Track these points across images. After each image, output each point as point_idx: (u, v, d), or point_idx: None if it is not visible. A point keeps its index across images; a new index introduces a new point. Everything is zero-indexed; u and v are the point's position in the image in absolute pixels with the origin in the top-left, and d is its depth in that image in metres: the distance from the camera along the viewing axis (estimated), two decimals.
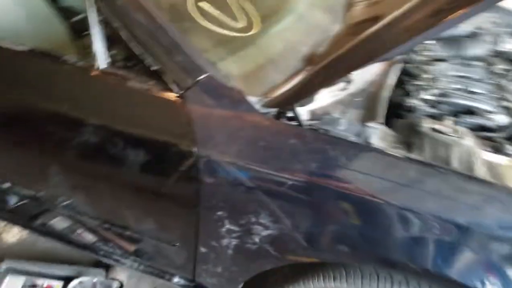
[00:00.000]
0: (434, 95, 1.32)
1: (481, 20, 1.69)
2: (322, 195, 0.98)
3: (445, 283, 0.94)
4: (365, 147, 1.01)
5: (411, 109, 1.27)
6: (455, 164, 0.98)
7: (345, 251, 1.01)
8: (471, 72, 1.46)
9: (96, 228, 1.48)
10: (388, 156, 0.98)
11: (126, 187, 1.21)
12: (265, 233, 1.08)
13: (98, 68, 1.08)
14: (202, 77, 1.04)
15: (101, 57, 1.08)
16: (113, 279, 1.71)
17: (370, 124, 1.07)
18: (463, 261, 0.90)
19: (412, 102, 1.27)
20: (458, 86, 1.38)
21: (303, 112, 1.10)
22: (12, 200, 1.56)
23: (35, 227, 1.65)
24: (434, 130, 1.09)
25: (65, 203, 1.42)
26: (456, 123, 1.20)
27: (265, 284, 1.30)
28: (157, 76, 1.05)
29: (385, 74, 1.32)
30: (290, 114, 1.04)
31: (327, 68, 0.96)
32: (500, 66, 1.55)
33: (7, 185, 1.48)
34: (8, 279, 1.55)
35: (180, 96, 1.03)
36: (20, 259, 1.68)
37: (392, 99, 1.36)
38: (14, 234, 1.92)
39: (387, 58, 1.00)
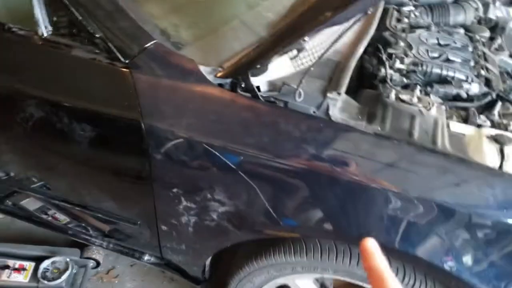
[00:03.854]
0: (407, 64, 1.25)
1: None
2: (274, 170, 0.93)
3: (401, 256, 0.90)
4: (320, 120, 0.95)
5: (383, 79, 1.21)
6: (417, 135, 0.92)
7: (301, 225, 0.97)
8: (451, 40, 1.38)
9: (68, 208, 1.45)
10: (344, 128, 0.92)
11: (81, 165, 1.17)
12: (221, 209, 1.03)
13: (40, 37, 1.02)
14: (149, 44, 0.98)
15: (43, 24, 1.02)
16: (89, 258, 1.68)
17: (331, 94, 1.00)
18: (417, 235, 0.86)
19: (384, 71, 1.20)
20: (435, 55, 1.31)
21: (261, 82, 1.03)
22: None
23: (6, 209, 1.62)
24: (400, 100, 1.03)
25: (36, 184, 1.38)
26: (426, 93, 1.14)
27: (234, 259, 1.27)
28: (102, 44, 0.98)
29: (355, 43, 1.25)
30: (245, 85, 0.98)
31: (278, 34, 0.89)
32: (484, 34, 1.46)
33: None
34: None
35: (126, 65, 0.97)
36: None
37: (367, 70, 1.29)
38: None
39: (338, 22, 0.92)
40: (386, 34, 1.38)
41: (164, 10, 1.11)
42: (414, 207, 0.83)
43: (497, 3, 1.64)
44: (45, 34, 1.01)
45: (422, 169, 0.85)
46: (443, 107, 1.04)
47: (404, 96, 1.04)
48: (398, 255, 0.95)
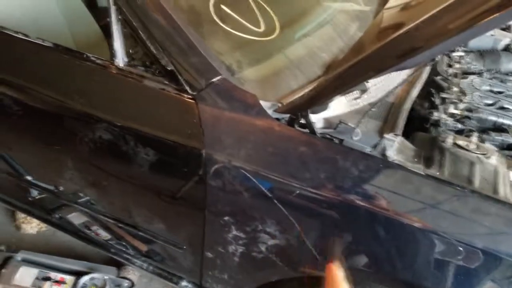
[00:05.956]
0: (461, 109, 1.25)
1: None
2: (330, 207, 0.94)
3: None
4: (379, 160, 0.96)
5: (436, 123, 1.21)
6: (477, 183, 0.91)
7: (353, 267, 0.96)
8: (505, 88, 1.38)
9: (111, 226, 1.49)
10: (403, 170, 0.93)
11: (137, 186, 1.21)
12: (271, 242, 1.04)
13: (116, 66, 1.09)
14: (215, 79, 1.03)
15: (120, 55, 1.09)
16: (124, 278, 1.71)
17: (388, 136, 1.02)
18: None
19: (438, 115, 1.20)
20: (489, 102, 1.31)
21: (317, 119, 1.06)
22: (34, 193, 1.60)
23: (53, 221, 1.68)
24: (457, 146, 1.03)
25: (82, 199, 1.44)
26: (482, 140, 1.13)
27: None
28: (172, 76, 1.04)
29: (409, 85, 1.26)
30: (303, 121, 1.01)
31: (342, 75, 0.92)
32: None
33: (29, 177, 1.53)
34: (22, 269, 1.58)
35: (193, 97, 1.02)
36: (36, 251, 1.71)
37: (417, 112, 1.30)
38: (33, 226, 1.97)
39: (407, 66, 0.95)
40: (438, 78, 1.39)
41: (230, 48, 1.16)
42: (477, 258, 0.82)
43: None
44: (121, 65, 1.08)
45: (486, 218, 0.85)
46: (503, 156, 1.03)
47: (461, 142, 1.04)
48: None
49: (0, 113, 1.29)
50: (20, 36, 1.18)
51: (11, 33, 1.19)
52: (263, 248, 1.06)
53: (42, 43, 1.17)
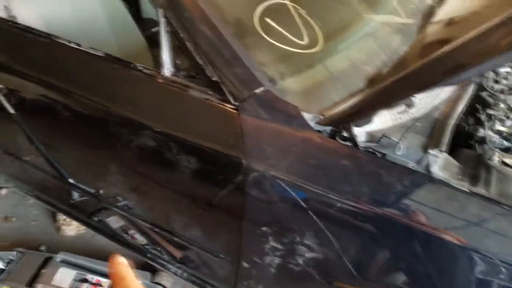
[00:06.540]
0: (509, 126, 1.21)
1: None
2: (371, 222, 0.93)
3: None
4: (424, 176, 0.94)
5: (482, 140, 1.18)
6: None
7: (394, 284, 0.94)
8: None
9: (148, 231, 1.52)
10: (449, 187, 0.91)
11: (177, 193, 1.24)
12: (309, 255, 1.04)
13: (163, 76, 1.12)
14: (258, 90, 1.04)
15: (167, 65, 1.12)
16: (158, 283, 1.74)
17: (432, 151, 1.00)
18: None
19: (484, 132, 1.17)
20: None
21: (360, 133, 1.05)
22: (75, 195, 1.66)
23: (92, 224, 1.73)
24: (505, 164, 1.00)
25: (121, 203, 1.48)
26: None
27: None
28: (216, 87, 1.06)
29: (454, 100, 1.24)
30: (346, 134, 1.01)
31: (388, 89, 0.92)
32: None
33: (72, 180, 1.59)
34: (61, 270, 1.63)
35: (236, 108, 1.04)
36: (75, 252, 1.77)
37: (462, 128, 1.27)
38: (72, 228, 2.04)
39: (453, 83, 0.93)
40: (484, 94, 1.35)
41: (273, 60, 1.18)
42: None
43: None
44: (168, 75, 1.11)
45: None
46: None
47: (509, 160, 1.01)
48: None
49: (51, 118, 1.35)
50: (73, 45, 1.24)
51: (65, 43, 1.25)
52: (300, 261, 1.06)
53: (94, 53, 1.22)
